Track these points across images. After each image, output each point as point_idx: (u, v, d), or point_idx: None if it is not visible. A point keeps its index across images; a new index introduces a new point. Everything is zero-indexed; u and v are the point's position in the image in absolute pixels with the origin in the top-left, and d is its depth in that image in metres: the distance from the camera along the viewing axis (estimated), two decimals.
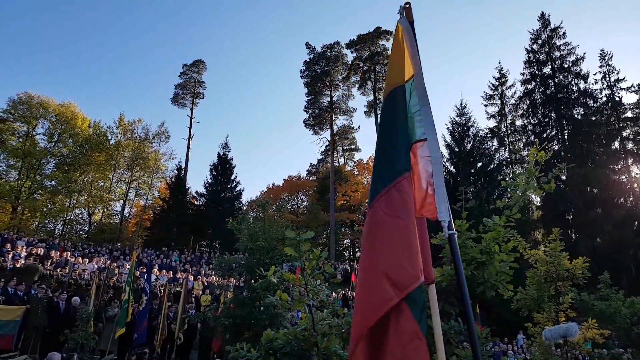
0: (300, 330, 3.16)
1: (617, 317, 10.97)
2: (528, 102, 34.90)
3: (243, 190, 39.45)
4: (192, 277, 19.87)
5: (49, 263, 16.44)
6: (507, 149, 36.24)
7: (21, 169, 34.36)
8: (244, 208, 38.64)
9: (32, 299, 11.61)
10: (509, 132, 36.57)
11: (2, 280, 12.04)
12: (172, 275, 19.48)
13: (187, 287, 14.24)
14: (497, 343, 15.19)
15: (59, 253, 19.12)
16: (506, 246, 3.11)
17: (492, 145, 33.82)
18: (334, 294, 19.15)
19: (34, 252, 17.26)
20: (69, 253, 19.79)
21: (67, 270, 16.04)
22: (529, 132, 34.58)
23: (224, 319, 9.12)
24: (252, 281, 9.25)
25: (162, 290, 13.81)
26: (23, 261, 15.30)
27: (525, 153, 33.82)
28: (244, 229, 9.86)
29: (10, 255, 15.62)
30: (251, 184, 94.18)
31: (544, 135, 32.78)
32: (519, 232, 3.56)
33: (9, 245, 17.09)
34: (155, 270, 18.54)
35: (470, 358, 2.61)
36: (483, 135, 32.72)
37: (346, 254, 47.48)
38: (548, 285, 7.47)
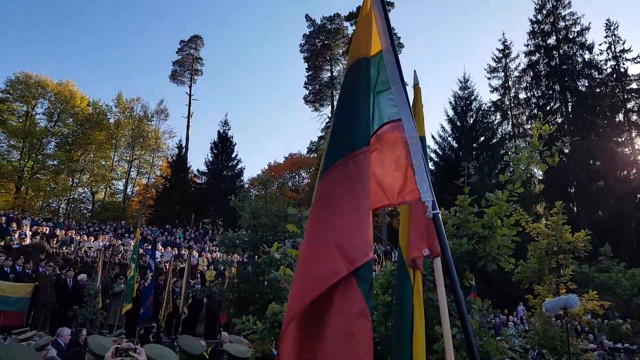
0: None
1: (617, 289, 11.14)
2: (532, 74, 34.49)
3: (244, 168, 39.53)
4: (197, 253, 20.08)
5: (55, 241, 16.62)
6: (510, 123, 35.99)
7: (23, 149, 34.44)
8: (246, 186, 38.72)
9: (41, 276, 11.82)
10: (513, 105, 36.24)
11: (10, 258, 12.20)
12: (176, 252, 19.71)
13: (191, 262, 14.43)
14: (497, 315, 15.45)
15: (64, 231, 19.32)
16: (508, 220, 3.12)
17: (495, 119, 33.54)
18: None
19: (39, 231, 17.42)
20: (74, 231, 20.00)
21: (72, 248, 16.24)
22: (533, 105, 34.28)
23: (229, 293, 9.29)
24: (256, 257, 9.39)
25: (167, 267, 14.02)
26: (29, 240, 15.47)
27: (529, 126, 33.61)
28: (246, 206, 9.94)
29: (17, 235, 15.79)
30: (252, 162, 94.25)
31: (548, 108, 32.51)
32: (521, 206, 3.58)
33: (14, 225, 17.25)
34: (160, 247, 18.73)
35: (472, 329, 2.65)
36: (486, 108, 32.46)
37: None
38: (549, 258, 7.53)
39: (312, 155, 51.68)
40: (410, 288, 2.21)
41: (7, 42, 57.24)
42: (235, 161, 38.07)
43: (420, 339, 2.09)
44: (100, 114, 39.38)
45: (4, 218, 18.49)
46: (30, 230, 16.95)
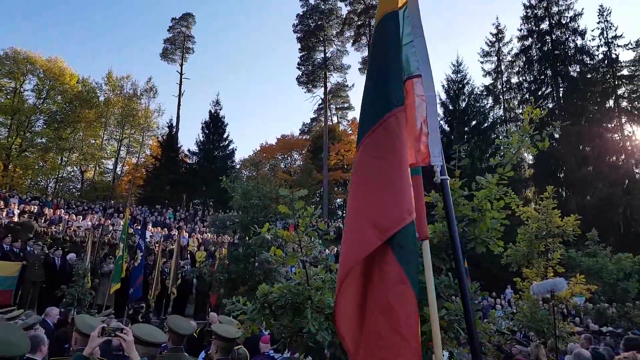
0: (294, 284, 3.21)
1: (603, 273, 11.32)
2: (524, 58, 34.50)
3: (236, 149, 39.27)
4: (187, 234, 20.05)
5: (43, 220, 16.48)
6: (502, 107, 36.07)
7: (10, 126, 33.87)
8: (237, 167, 38.57)
9: (28, 255, 11.73)
10: (505, 89, 36.29)
11: None
12: (166, 233, 19.65)
13: (181, 243, 14.40)
14: (485, 297, 15.66)
15: (52, 210, 19.15)
16: (498, 204, 3.12)
17: (487, 103, 33.57)
18: (327, 250, 19.47)
19: (27, 209, 17.25)
20: (63, 210, 19.84)
21: (61, 228, 16.11)
22: (525, 90, 34.36)
23: (219, 274, 9.30)
24: (247, 238, 9.38)
25: (157, 247, 13.97)
26: (17, 218, 15.31)
27: (520, 111, 33.72)
28: (237, 187, 9.88)
29: (4, 213, 15.63)
30: (244, 143, 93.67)
31: (539, 92, 32.62)
32: (511, 190, 3.58)
33: (2, 203, 17.09)
34: (150, 227, 18.66)
35: (459, 310, 2.67)
36: (478, 93, 32.44)
37: (339, 212, 48.00)
38: (538, 242, 7.60)
39: (304, 137, 51.47)
40: (416, 252, 2.21)
41: None
42: (227, 141, 37.82)
43: None
44: (89, 91, 38.77)
45: None
46: (18, 209, 16.78)
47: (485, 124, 29.86)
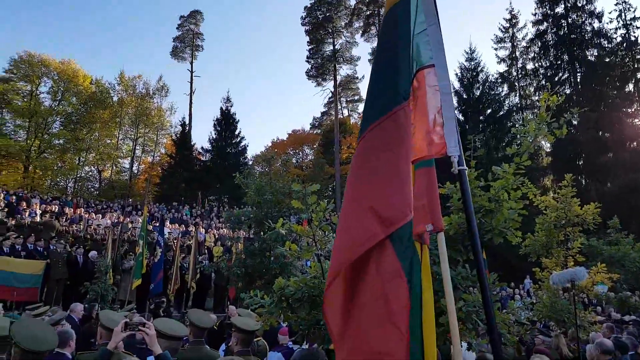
0: (310, 278, 3.24)
1: (625, 261, 11.13)
2: (540, 44, 33.80)
3: (248, 146, 39.36)
4: (203, 230, 20.27)
5: (64, 219, 16.82)
6: (517, 94, 35.48)
7: (29, 128, 34.52)
8: (250, 163, 38.74)
9: (52, 253, 12.03)
10: (520, 76, 35.64)
11: (22, 237, 12.40)
12: (184, 229, 19.90)
13: (198, 239, 14.59)
14: (504, 288, 15.54)
15: (72, 210, 19.52)
16: (515, 194, 3.09)
17: (502, 91, 32.99)
18: None
19: (48, 209, 17.61)
20: (83, 209, 20.21)
21: (82, 226, 16.42)
22: (541, 76, 33.69)
23: (237, 268, 9.41)
24: (262, 233, 9.46)
25: (175, 243, 14.20)
26: (39, 218, 15.65)
27: (537, 98, 33.17)
28: (250, 183, 9.96)
29: (27, 213, 15.98)
30: (256, 139, 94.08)
31: (556, 78, 31.97)
32: (529, 179, 3.54)
33: (24, 204, 17.45)
34: (167, 224, 18.91)
35: (477, 302, 2.66)
36: (493, 80, 31.91)
37: None
38: (557, 231, 7.51)
39: (315, 132, 51.42)
40: (417, 262, 2.17)
41: (6, 21, 56.76)
42: (239, 138, 37.99)
43: (429, 311, 2.08)
44: (103, 92, 39.28)
45: (14, 197, 18.69)
46: (39, 209, 17.14)
47: (501, 112, 29.43)
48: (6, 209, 15.75)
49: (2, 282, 10.63)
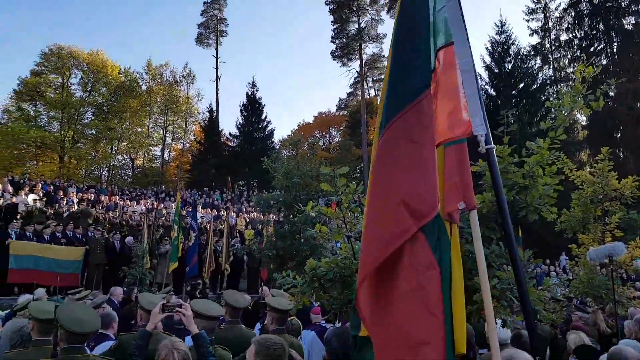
0: (341, 258, 3.26)
1: None
2: (574, 13, 32.33)
3: (274, 130, 39.55)
4: (234, 214, 20.62)
5: (100, 207, 17.40)
6: (551, 67, 34.21)
7: (62, 119, 35.58)
8: (277, 147, 38.96)
9: (90, 240, 12.50)
10: (553, 48, 34.28)
11: (61, 224, 12.91)
12: (215, 213, 20.30)
13: (229, 223, 14.88)
14: (539, 265, 15.29)
15: (108, 197, 20.15)
16: (550, 169, 3.01)
17: (534, 64, 31.86)
18: None
19: (85, 197, 18.25)
20: (117, 197, 20.83)
21: (117, 213, 16.96)
22: (575, 47, 32.35)
23: (268, 250, 9.56)
24: (291, 216, 9.56)
25: (208, 227, 14.53)
26: (76, 207, 16.23)
27: (571, 70, 31.91)
28: (278, 167, 10.03)
29: (65, 202, 16.59)
30: (282, 123, 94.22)
31: (591, 49, 30.64)
32: (564, 154, 3.44)
33: (61, 193, 18.10)
34: (200, 209, 19.31)
35: (512, 279, 2.63)
36: (525, 53, 30.86)
37: None
38: (594, 206, 7.31)
39: (341, 113, 51.09)
40: (447, 242, 2.15)
41: (36, 16, 58.14)
42: (265, 122, 38.21)
43: (459, 290, 2.07)
44: (132, 81, 39.98)
45: (51, 187, 19.41)
46: (76, 198, 17.77)
47: (534, 86, 28.55)
48: (45, 199, 16.37)
49: (46, 269, 11.13)
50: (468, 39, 2.17)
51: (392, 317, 1.94)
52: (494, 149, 2.16)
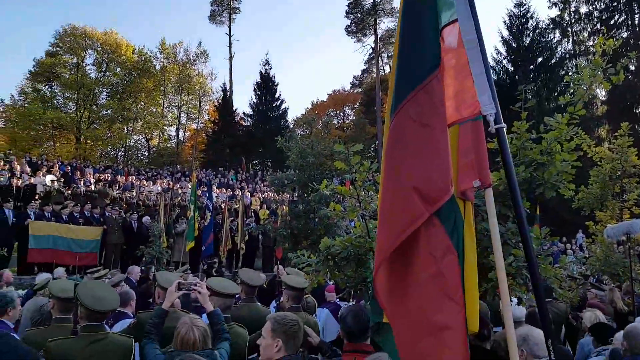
0: (355, 237, 3.26)
1: None
2: None
3: (288, 108, 39.29)
4: (249, 193, 20.76)
5: (117, 187, 17.65)
6: (570, 41, 33.27)
7: (77, 100, 35.88)
8: (291, 126, 38.89)
9: (108, 220, 12.72)
10: (573, 21, 33.25)
11: (78, 204, 13.14)
12: (230, 193, 20.46)
13: (244, 202, 15.00)
14: (555, 243, 15.16)
15: (124, 177, 20.43)
16: (568, 145, 2.94)
17: (553, 38, 31.00)
18: None
19: (101, 178, 18.51)
20: (134, 177, 21.11)
21: (134, 193, 17.19)
22: (595, 20, 31.34)
23: (282, 230, 9.63)
24: (305, 195, 9.58)
25: (223, 207, 14.68)
26: (93, 187, 16.49)
27: (591, 43, 31.02)
28: (292, 146, 10.01)
29: (82, 182, 16.87)
30: (296, 102, 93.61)
31: (612, 21, 29.67)
32: (583, 130, 3.36)
33: (78, 173, 18.38)
34: (215, 188, 19.48)
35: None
36: (544, 26, 30.00)
37: None
38: (613, 183, 7.18)
39: (355, 91, 50.58)
40: (460, 219, 2.12)
41: None
42: (279, 101, 38.06)
43: (471, 269, 2.06)
44: (146, 61, 39.99)
45: (69, 167, 19.72)
46: (93, 178, 18.03)
47: (553, 60, 27.84)
48: (62, 179, 16.64)
49: (64, 248, 11.37)
50: (475, 15, 2.09)
51: (412, 304, 1.94)
52: (504, 128, 2.11)
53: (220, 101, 38.98)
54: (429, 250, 1.91)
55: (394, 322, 2.01)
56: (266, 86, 37.79)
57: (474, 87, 2.07)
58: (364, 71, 49.34)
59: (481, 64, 2.05)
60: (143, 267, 9.73)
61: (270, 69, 38.44)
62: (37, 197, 13.76)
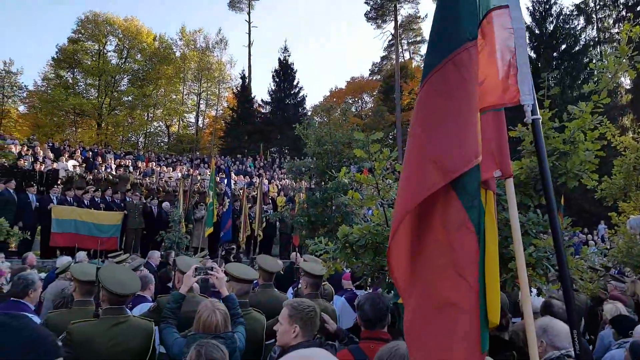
0: (373, 225, 3.26)
1: None
2: None
3: (306, 96, 39.18)
4: (267, 181, 20.87)
5: (137, 173, 17.91)
6: (595, 27, 32.35)
7: (99, 86, 36.37)
8: (309, 113, 38.79)
9: (128, 205, 12.92)
10: (598, 7, 32.29)
11: (99, 190, 13.38)
12: (248, 180, 20.61)
13: (262, 189, 15.10)
14: (576, 233, 14.91)
15: (144, 163, 20.70)
16: (592, 134, 2.88)
17: (577, 24, 30.19)
18: None
19: (122, 163, 18.78)
20: (154, 163, 21.36)
21: (154, 179, 17.42)
22: (621, 6, 30.40)
23: (300, 217, 9.66)
24: (323, 183, 9.58)
25: (241, 193, 14.80)
26: (114, 172, 16.76)
27: (616, 30, 30.11)
28: (310, 134, 9.99)
29: (103, 168, 17.15)
30: (314, 89, 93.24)
31: (638, 8, 28.72)
32: (607, 118, 3.28)
33: (100, 159, 18.70)
34: (233, 175, 19.63)
35: (548, 247, 2.58)
36: (568, 13, 29.23)
37: None
38: (637, 173, 7.01)
39: (374, 78, 50.06)
40: (482, 207, 2.10)
41: None
42: (297, 89, 37.93)
43: (492, 259, 2.04)
44: (166, 48, 40.27)
45: (90, 153, 20.06)
46: (114, 164, 18.31)
47: (577, 48, 27.14)
48: (84, 165, 16.93)
49: (86, 232, 11.58)
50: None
51: (421, 279, 1.93)
52: (540, 120, 2.10)
53: (238, 88, 39.09)
54: (442, 223, 1.90)
55: (406, 299, 2.00)
56: (284, 73, 37.71)
57: (515, 75, 2.06)
58: (383, 58, 48.76)
59: (526, 54, 2.05)
60: (163, 252, 9.90)
61: (288, 56, 38.35)
62: (59, 182, 14.04)
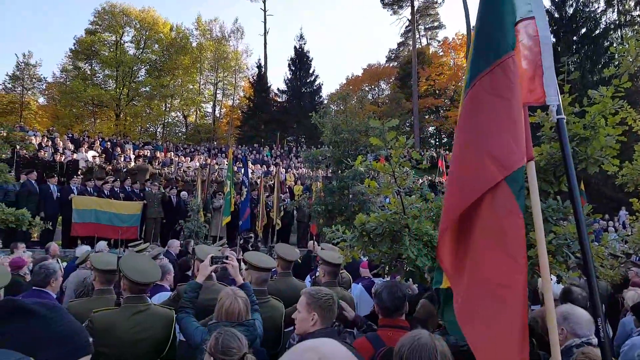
0: (390, 214, 3.25)
1: None
2: None
3: (322, 84, 39.01)
4: (284, 170, 20.94)
5: (156, 163, 18.13)
6: (615, 10, 31.34)
7: (117, 77, 36.80)
8: (325, 102, 38.67)
9: (148, 194, 13.08)
10: None
11: (119, 180, 13.58)
12: (265, 169, 20.70)
13: (279, 178, 15.16)
14: (597, 220, 14.64)
15: (163, 153, 20.94)
16: (613, 119, 2.82)
17: (597, 7, 29.28)
18: (420, 180, 19.29)
19: (141, 154, 19.02)
20: (172, 153, 21.61)
21: (172, 169, 17.62)
22: None
23: (317, 206, 9.69)
24: (339, 171, 9.58)
25: (259, 183, 14.89)
26: (133, 163, 16.98)
27: (637, 13, 29.19)
28: (327, 122, 9.96)
29: (122, 158, 17.40)
30: (330, 77, 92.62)
31: None
32: (628, 103, 3.21)
33: (119, 149, 18.96)
34: (250, 164, 19.73)
35: (568, 234, 2.56)
36: None
37: (432, 141, 46.53)
38: None
39: (391, 65, 49.51)
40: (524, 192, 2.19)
41: None
42: (313, 77, 37.85)
43: None
44: (183, 38, 40.45)
45: (109, 144, 20.36)
46: (133, 154, 18.55)
47: (597, 31, 26.47)
48: (103, 155, 17.18)
49: (106, 222, 11.77)
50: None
51: (471, 262, 2.04)
52: (565, 120, 2.21)
53: (255, 77, 39.12)
54: (492, 209, 2.02)
55: (455, 284, 2.13)
56: (300, 61, 37.61)
57: (541, 78, 2.22)
58: (400, 44, 48.22)
59: (552, 58, 2.21)
60: (182, 241, 10.04)
61: (304, 44, 38.24)
62: (79, 173, 14.28)
